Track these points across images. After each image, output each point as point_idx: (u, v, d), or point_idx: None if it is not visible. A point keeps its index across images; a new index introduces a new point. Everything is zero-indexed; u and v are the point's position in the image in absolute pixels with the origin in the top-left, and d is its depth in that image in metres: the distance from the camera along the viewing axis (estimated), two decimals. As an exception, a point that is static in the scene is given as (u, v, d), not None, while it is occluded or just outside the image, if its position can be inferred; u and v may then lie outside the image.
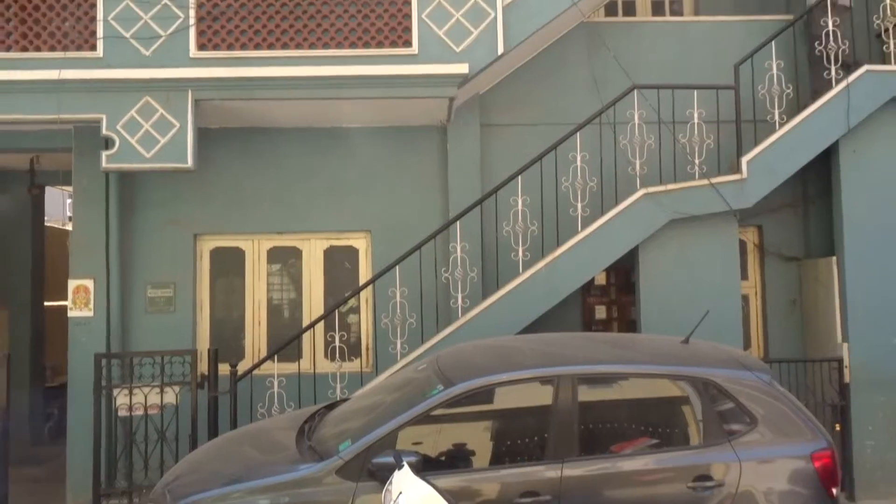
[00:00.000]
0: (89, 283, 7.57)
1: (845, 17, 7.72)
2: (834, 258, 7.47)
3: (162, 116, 6.82)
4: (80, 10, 6.88)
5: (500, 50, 7.12)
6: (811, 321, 7.88)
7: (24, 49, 6.84)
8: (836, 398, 7.21)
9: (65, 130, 7.48)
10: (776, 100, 7.45)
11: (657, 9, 9.05)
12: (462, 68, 6.97)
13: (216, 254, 8.02)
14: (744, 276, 7.93)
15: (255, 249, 8.03)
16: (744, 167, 7.10)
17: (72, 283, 7.59)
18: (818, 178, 7.77)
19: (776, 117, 7.41)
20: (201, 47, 6.94)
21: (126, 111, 6.80)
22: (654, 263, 7.10)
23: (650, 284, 7.10)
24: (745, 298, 8.02)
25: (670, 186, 7.05)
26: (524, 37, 7.25)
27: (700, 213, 7.04)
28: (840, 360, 7.23)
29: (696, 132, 7.29)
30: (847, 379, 7.21)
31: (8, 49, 6.85)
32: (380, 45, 7.05)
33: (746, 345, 7.76)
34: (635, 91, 7.25)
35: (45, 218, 10.87)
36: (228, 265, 8.05)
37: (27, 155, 8.80)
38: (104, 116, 6.78)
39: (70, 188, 8.10)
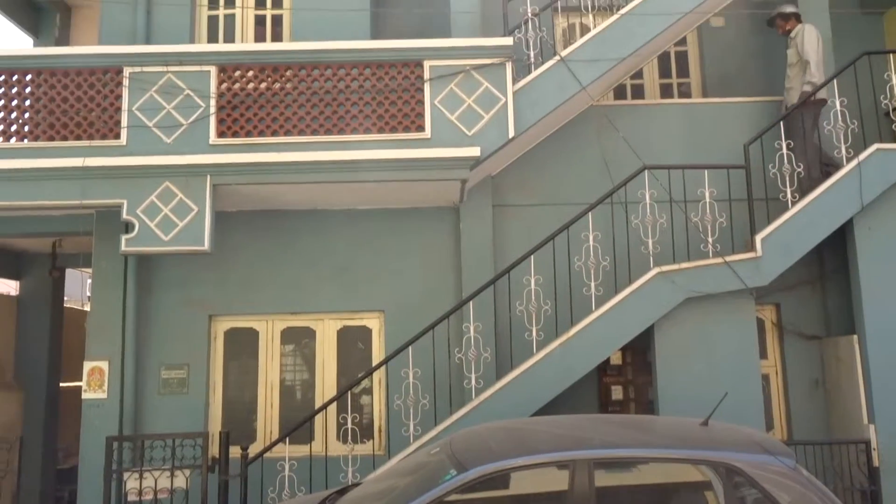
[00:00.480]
0: (104, 365, 7.60)
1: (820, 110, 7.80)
2: (855, 336, 7.34)
3: (181, 201, 6.97)
4: (107, 102, 7.14)
5: (511, 133, 7.27)
6: (835, 401, 7.68)
7: (52, 138, 7.08)
8: (865, 482, 6.95)
9: (87, 215, 7.66)
10: (787, 178, 7.49)
11: (665, 91, 9.24)
12: (474, 151, 7.10)
13: (230, 334, 8.05)
14: (763, 354, 7.81)
15: (269, 330, 8.05)
16: (758, 245, 7.09)
17: (87, 365, 7.62)
18: (835, 254, 7.73)
19: (788, 196, 7.43)
20: (221, 134, 7.15)
21: (147, 196, 6.96)
22: (670, 343, 7.02)
23: (667, 364, 7.00)
24: (766, 378, 7.86)
25: (684, 265, 7.03)
26: (534, 121, 7.42)
27: (715, 292, 6.99)
28: (867, 443, 7.00)
29: (708, 211, 7.31)
30: (876, 462, 6.97)
31: (36, 139, 7.09)
32: (393, 129, 7.23)
33: (769, 426, 7.56)
34: (646, 171, 7.33)
35: (65, 298, 11.01)
36: (242, 346, 8.06)
37: (50, 238, 8.99)
38: (125, 201, 6.94)
39: (90, 270, 8.23)
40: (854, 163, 7.28)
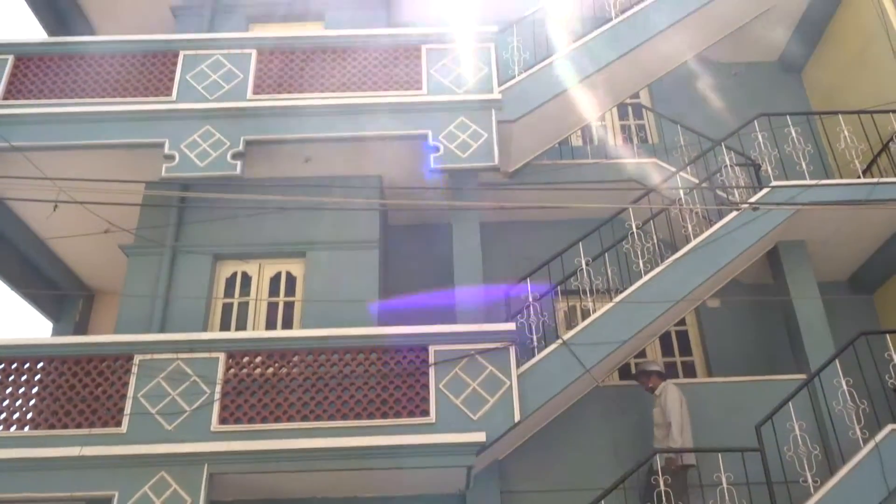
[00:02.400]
0: None
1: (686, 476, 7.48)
2: None
3: (175, 492, 6.71)
4: (113, 388, 7.21)
5: (517, 417, 7.18)
6: None
7: (52, 426, 7.03)
8: None
9: (76, 505, 7.34)
10: (805, 461, 7.22)
11: (669, 369, 9.25)
12: (479, 437, 6.98)
13: None
14: None
15: None
16: (785, 536, 6.64)
17: None
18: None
19: (808, 480, 7.11)
20: (223, 421, 7.10)
21: (139, 487, 6.73)
22: None
23: None
24: None
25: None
26: (540, 404, 7.38)
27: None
28: None
29: (726, 497, 6.96)
30: None
31: (37, 427, 7.03)
32: (398, 414, 7.17)
33: None
34: (657, 456, 7.11)
35: None
36: None
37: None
38: (116, 494, 6.69)
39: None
40: (871, 444, 7.08)
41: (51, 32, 11.65)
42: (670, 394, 7.73)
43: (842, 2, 10.45)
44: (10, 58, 8.98)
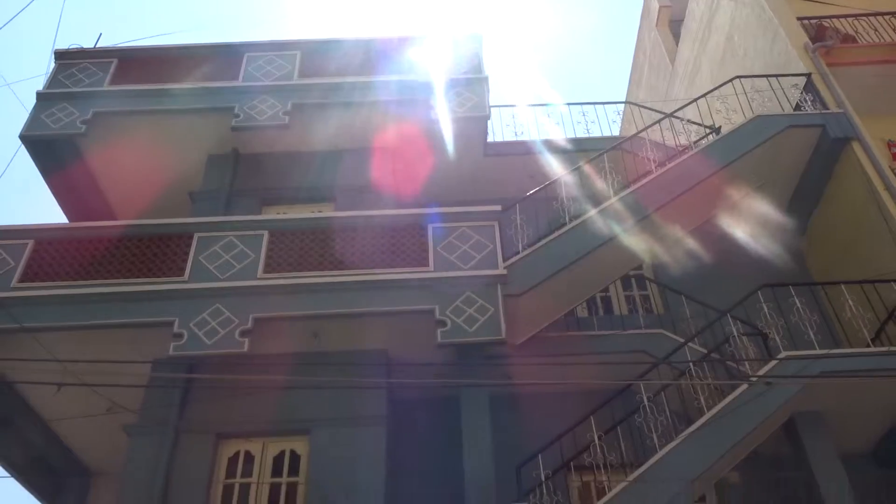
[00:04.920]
0: None
1: None
2: None
3: None
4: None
5: None
6: None
7: None
8: None
9: None
10: None
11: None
12: None
13: None
14: None
15: None
16: None
17: None
18: None
19: None
20: None
21: None
22: None
23: None
24: None
25: None
26: None
27: None
28: None
29: None
30: None
31: None
32: None
33: None
34: None
35: None
36: None
37: None
38: None
39: None
40: None
41: (72, 217, 12.14)
42: None
43: (833, 175, 10.90)
44: (31, 242, 9.30)
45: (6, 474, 9.92)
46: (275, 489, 8.40)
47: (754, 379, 8.16)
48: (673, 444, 7.80)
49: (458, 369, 8.75)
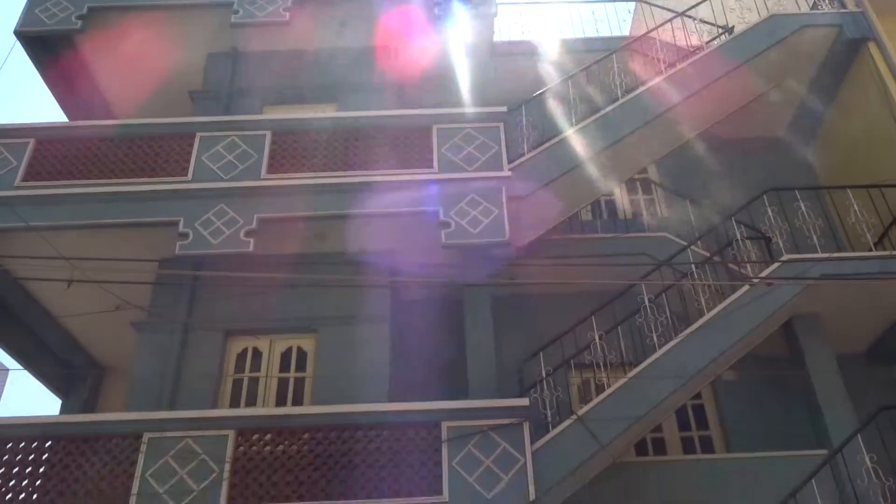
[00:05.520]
0: None
1: None
2: None
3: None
4: (120, 468, 7.08)
5: (532, 496, 6.98)
6: None
7: (57, 509, 6.88)
8: None
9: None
10: (836, 541, 6.98)
11: (687, 444, 9.06)
12: (494, 515, 6.78)
13: None
14: None
15: None
16: None
17: None
18: None
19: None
20: (231, 500, 6.94)
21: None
22: None
23: None
24: None
25: None
26: (555, 481, 7.17)
27: None
28: None
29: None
30: None
31: (42, 508, 6.90)
32: (410, 493, 6.99)
33: None
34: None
35: None
36: None
37: None
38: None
39: None
40: (902, 526, 6.85)
41: (70, 115, 12.00)
42: None
43: (846, 79, 10.68)
44: (32, 141, 9.22)
45: (20, 367, 10.20)
46: (283, 383, 8.64)
47: (756, 280, 8.23)
48: (672, 342, 7.96)
49: (461, 271, 8.84)
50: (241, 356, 8.82)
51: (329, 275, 8.47)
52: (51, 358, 10.50)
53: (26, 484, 7.06)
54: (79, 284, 7.57)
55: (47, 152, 9.23)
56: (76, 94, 11.88)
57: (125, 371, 9.92)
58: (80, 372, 10.86)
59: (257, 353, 8.81)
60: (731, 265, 8.96)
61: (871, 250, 9.01)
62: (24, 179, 8.96)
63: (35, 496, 7.01)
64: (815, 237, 8.84)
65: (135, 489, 6.95)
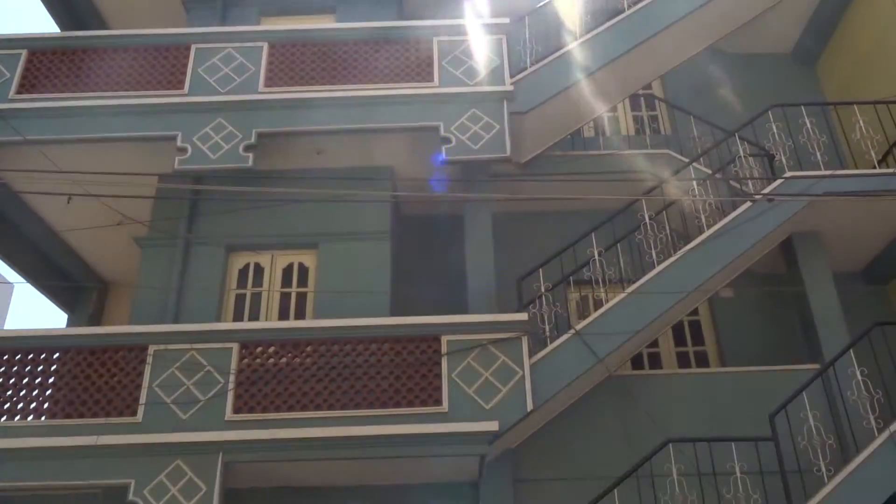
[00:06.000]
0: None
1: None
2: None
3: (190, 480, 6.76)
4: (128, 379, 7.26)
5: (530, 406, 7.19)
6: None
7: (69, 416, 7.08)
8: None
9: (91, 495, 7.39)
10: (819, 451, 7.20)
11: (682, 358, 9.25)
12: (492, 426, 6.99)
13: None
14: None
15: None
16: (800, 525, 6.63)
17: None
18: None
19: (822, 468, 7.09)
20: (237, 410, 7.15)
21: (155, 476, 6.79)
22: None
23: None
24: None
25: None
26: (552, 393, 7.38)
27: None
28: None
29: (739, 486, 6.95)
30: None
31: (53, 416, 7.10)
32: (410, 404, 7.19)
33: None
34: (670, 445, 7.10)
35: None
36: None
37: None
38: (132, 482, 6.75)
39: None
40: (886, 434, 7.05)
41: (64, 28, 11.71)
42: None
43: (857, -7, 10.39)
44: (24, 52, 9.04)
45: (23, 280, 10.31)
46: (285, 298, 8.75)
47: (758, 197, 8.21)
48: (672, 258, 8.01)
49: (462, 186, 8.81)
50: (244, 272, 8.89)
51: (330, 190, 8.44)
52: (56, 274, 10.59)
53: (37, 394, 7.24)
54: (79, 200, 7.59)
55: (41, 64, 9.06)
56: (69, 5, 11.57)
57: (129, 286, 10.03)
58: (85, 287, 10.97)
59: (259, 269, 8.88)
60: (732, 182, 8.92)
61: (875, 168, 8.95)
62: (18, 92, 8.83)
63: (46, 405, 7.21)
64: (818, 154, 8.76)
65: (143, 399, 7.14)
